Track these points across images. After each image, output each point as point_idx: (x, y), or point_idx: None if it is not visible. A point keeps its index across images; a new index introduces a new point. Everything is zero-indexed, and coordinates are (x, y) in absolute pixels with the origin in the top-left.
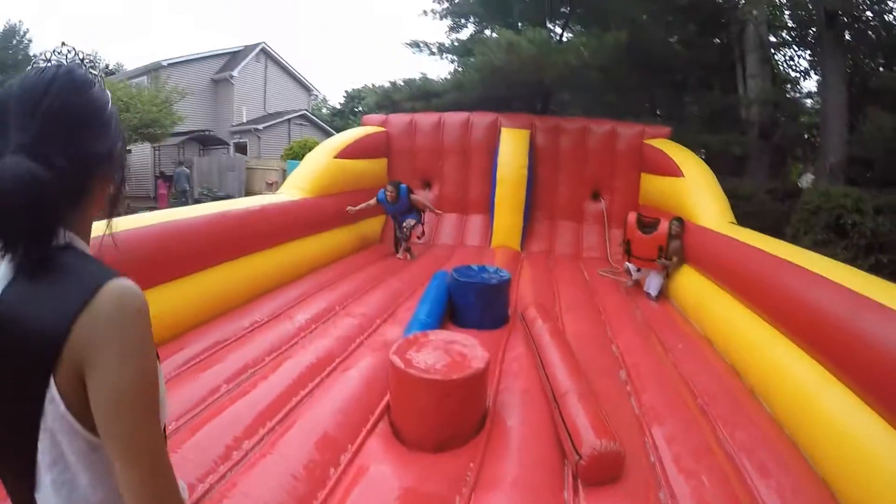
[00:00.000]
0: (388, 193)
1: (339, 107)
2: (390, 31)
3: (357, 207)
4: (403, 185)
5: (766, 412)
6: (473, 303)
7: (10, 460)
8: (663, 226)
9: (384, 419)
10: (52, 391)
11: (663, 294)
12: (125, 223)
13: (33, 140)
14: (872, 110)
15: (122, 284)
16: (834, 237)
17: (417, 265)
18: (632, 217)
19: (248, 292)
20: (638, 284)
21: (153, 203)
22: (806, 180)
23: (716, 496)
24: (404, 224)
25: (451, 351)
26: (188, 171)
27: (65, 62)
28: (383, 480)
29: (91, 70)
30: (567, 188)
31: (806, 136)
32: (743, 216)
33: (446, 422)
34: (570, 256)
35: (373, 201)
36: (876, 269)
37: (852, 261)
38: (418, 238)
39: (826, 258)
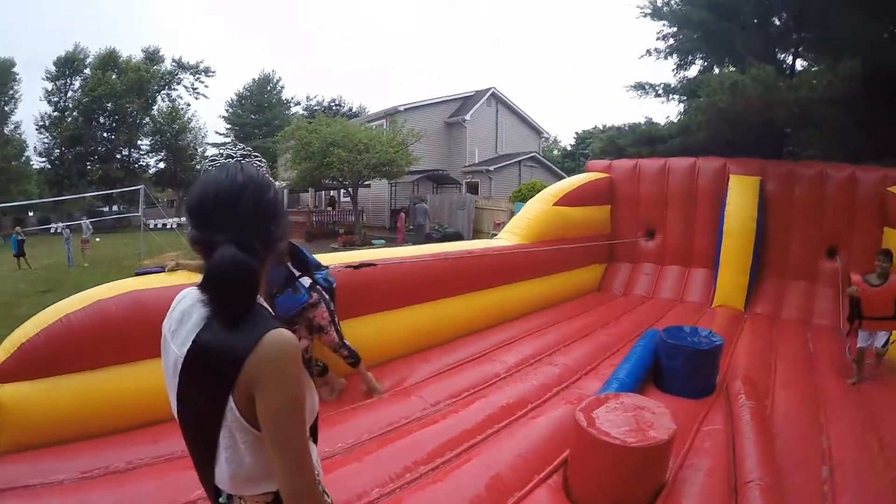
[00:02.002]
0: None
1: (569, 148)
2: (620, 70)
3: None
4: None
5: None
6: (679, 368)
7: (203, 441)
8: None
9: (559, 472)
10: (231, 403)
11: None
12: (360, 258)
13: (238, 233)
14: None
15: (280, 335)
16: None
17: (630, 321)
18: (856, 276)
19: (455, 331)
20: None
21: (387, 233)
22: None
23: None
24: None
25: (639, 416)
26: (426, 206)
27: (239, 159)
28: None
29: (259, 163)
30: (799, 243)
31: None
32: None
33: (617, 487)
34: (797, 322)
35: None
36: None
37: None
38: (335, 346)
39: None
